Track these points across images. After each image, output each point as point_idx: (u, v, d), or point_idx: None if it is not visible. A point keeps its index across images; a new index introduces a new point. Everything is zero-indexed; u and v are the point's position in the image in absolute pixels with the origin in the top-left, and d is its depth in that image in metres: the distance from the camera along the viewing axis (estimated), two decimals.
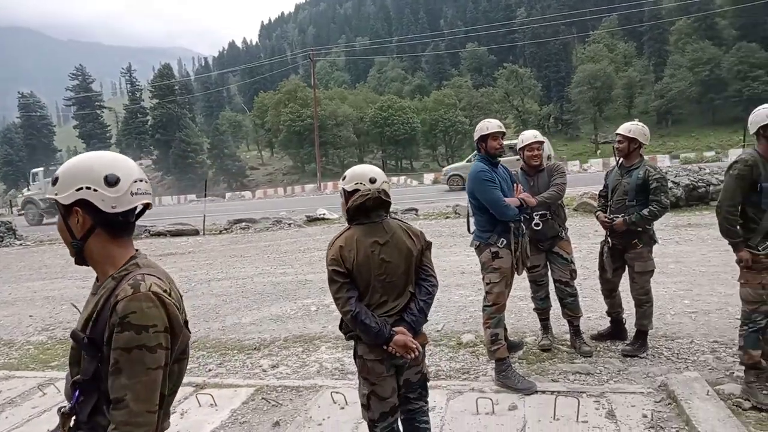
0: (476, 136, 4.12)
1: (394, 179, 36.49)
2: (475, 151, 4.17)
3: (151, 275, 1.49)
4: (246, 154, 74.04)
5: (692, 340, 4.55)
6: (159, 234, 15.81)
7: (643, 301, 4.35)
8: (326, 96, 63.60)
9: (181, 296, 1.61)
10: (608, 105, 67.46)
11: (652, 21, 72.45)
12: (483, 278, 4.13)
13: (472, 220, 4.27)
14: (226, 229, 15.92)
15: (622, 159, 4.48)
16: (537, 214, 4.36)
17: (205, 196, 21.61)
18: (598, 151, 44.21)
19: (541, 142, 4.55)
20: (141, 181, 1.54)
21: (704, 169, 12.35)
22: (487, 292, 4.08)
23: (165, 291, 1.47)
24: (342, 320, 2.58)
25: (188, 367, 5.17)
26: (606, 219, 4.41)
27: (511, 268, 4.02)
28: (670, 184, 11.29)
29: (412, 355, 2.46)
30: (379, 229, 2.53)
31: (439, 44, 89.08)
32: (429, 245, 2.69)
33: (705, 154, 33.23)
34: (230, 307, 7.16)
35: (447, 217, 14.24)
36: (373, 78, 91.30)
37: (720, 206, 3.54)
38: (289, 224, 15.80)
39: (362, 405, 2.62)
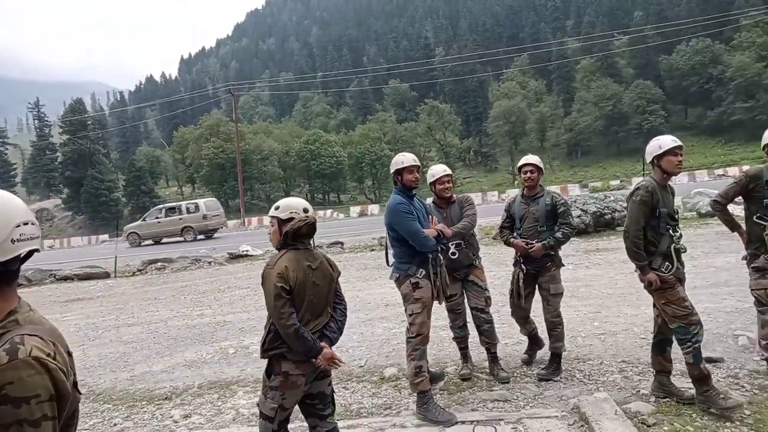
0: (392, 169, 4.22)
1: (321, 213, 36.34)
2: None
3: (32, 335, 1.27)
4: (165, 190, 71.27)
5: (602, 361, 4.72)
6: (66, 278, 14.71)
7: (556, 324, 4.47)
8: (250, 130, 62.93)
9: (71, 353, 1.41)
10: (523, 138, 71.34)
11: (559, 60, 77.96)
12: (405, 310, 4.11)
13: (390, 252, 4.26)
14: (139, 270, 15.07)
15: (525, 189, 4.69)
16: (453, 244, 4.45)
17: (118, 236, 20.44)
18: (516, 182, 46.26)
19: (450, 175, 4.75)
20: (27, 224, 1.35)
21: (610, 197, 13.17)
22: (410, 324, 4.05)
23: (49, 354, 1.26)
24: (266, 337, 2.79)
25: (91, 422, 4.78)
26: (524, 245, 4.50)
27: (431, 298, 4.05)
28: (579, 212, 11.97)
29: (336, 367, 2.83)
30: (310, 255, 2.88)
31: (362, 80, 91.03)
32: (339, 274, 3.08)
33: (611, 183, 35.47)
34: (141, 354, 6.70)
35: (372, 250, 14.27)
36: (298, 112, 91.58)
37: (627, 231, 3.72)
38: (209, 262, 15.21)
39: (266, 417, 2.78)
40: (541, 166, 4.66)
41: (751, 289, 3.90)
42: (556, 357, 4.51)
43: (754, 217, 3.84)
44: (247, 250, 15.96)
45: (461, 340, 4.72)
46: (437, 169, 4.75)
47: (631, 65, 73.44)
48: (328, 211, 37.41)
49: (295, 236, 2.83)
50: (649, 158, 3.79)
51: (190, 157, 60.44)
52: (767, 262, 3.77)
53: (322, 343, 2.74)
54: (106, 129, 78.52)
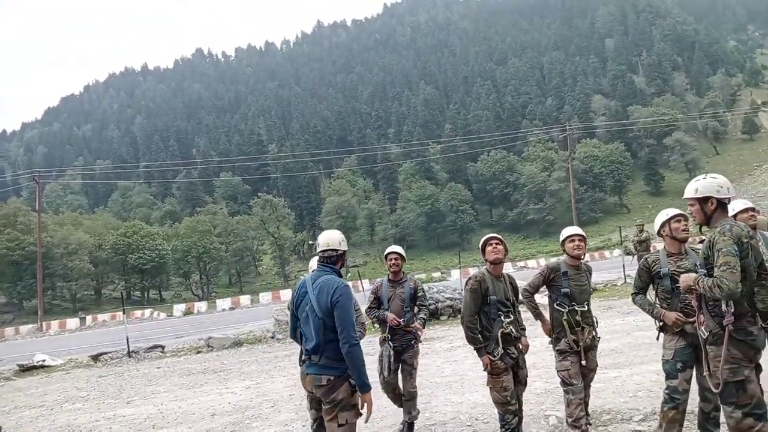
0: (344, 247, 3.72)
1: (138, 313, 32.87)
2: None
3: None
4: None
5: None
6: None
7: (414, 395, 5.03)
8: (56, 221, 56.14)
9: None
10: (354, 232, 74.19)
11: (383, 162, 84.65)
12: (338, 418, 3.29)
13: (308, 345, 3.44)
14: None
15: (390, 274, 5.33)
16: None
17: None
18: (348, 275, 47.30)
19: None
20: None
21: (433, 288, 14.05)
22: None
23: None
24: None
25: None
26: (396, 322, 5.04)
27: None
28: None
29: None
30: None
31: (191, 172, 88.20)
32: None
33: (433, 274, 37.92)
34: None
35: (198, 352, 13.14)
36: (115, 203, 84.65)
37: (462, 318, 4.10)
38: None
39: None
40: (404, 254, 5.36)
41: (557, 371, 4.35)
42: (411, 426, 5.00)
43: (555, 304, 4.38)
44: (43, 361, 13.57)
45: None
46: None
47: (445, 170, 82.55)
48: (147, 311, 33.95)
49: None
50: (481, 249, 4.36)
51: None
52: (568, 344, 4.27)
53: None
54: None
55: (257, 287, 50.66)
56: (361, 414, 3.30)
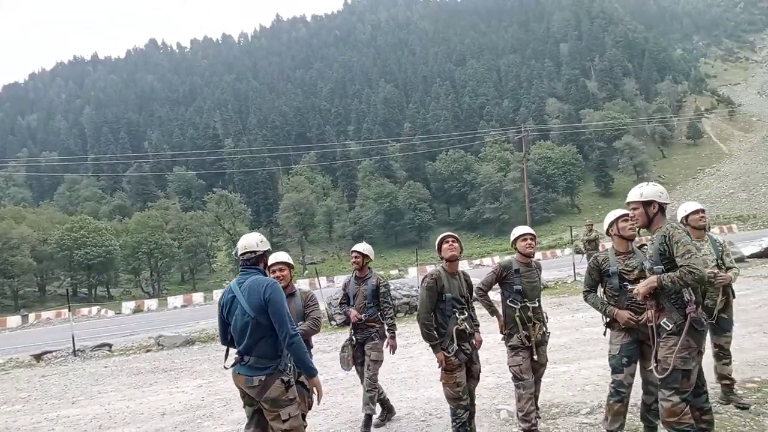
0: (265, 248, 3.65)
1: (85, 311, 31.63)
2: None
3: None
4: None
5: None
6: None
7: (372, 387, 5.08)
8: None
9: None
10: (312, 229, 73.74)
11: (342, 160, 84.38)
12: (280, 415, 3.37)
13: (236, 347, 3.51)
14: None
15: (356, 271, 5.45)
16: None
17: None
18: (306, 272, 46.98)
19: (288, 263, 4.40)
20: None
21: (389, 286, 14.08)
22: None
23: None
24: None
25: None
26: (357, 318, 5.24)
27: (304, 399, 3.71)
28: None
29: None
30: None
31: (143, 165, 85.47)
32: None
33: (391, 272, 38.15)
34: None
35: (148, 351, 12.77)
36: (62, 196, 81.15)
37: (419, 315, 4.18)
38: None
39: None
40: (367, 253, 5.45)
41: (509, 366, 4.46)
42: (369, 418, 5.05)
43: (508, 300, 4.48)
44: None
45: None
46: (278, 255, 4.41)
47: (404, 168, 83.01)
48: (95, 308, 32.70)
49: None
50: (437, 248, 4.39)
51: None
52: (520, 340, 4.38)
53: None
54: None
55: (211, 284, 49.52)
56: (304, 403, 3.54)
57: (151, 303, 33.17)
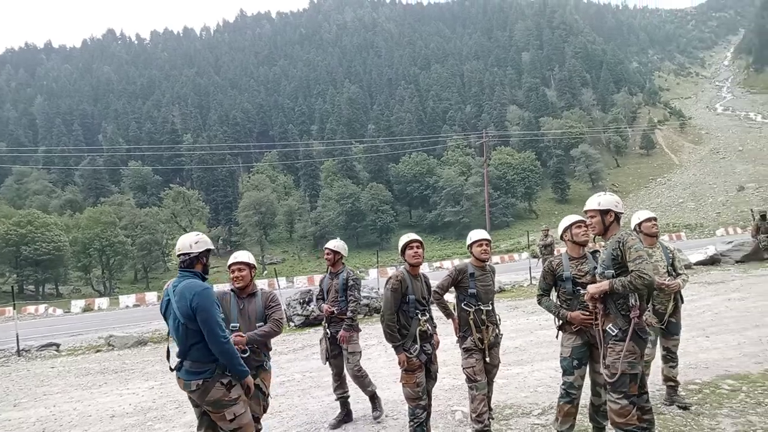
0: (203, 248, 3.59)
1: (32, 308, 30.32)
2: None
3: None
4: None
5: None
6: None
7: (359, 375, 5.32)
8: None
9: None
10: (273, 229, 72.88)
11: (305, 159, 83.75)
12: (225, 416, 3.40)
13: (174, 351, 3.53)
14: None
15: (330, 267, 5.58)
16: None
17: None
18: (265, 272, 46.37)
19: (248, 263, 4.32)
20: None
21: (360, 281, 14.02)
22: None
23: None
24: None
25: None
26: (330, 310, 5.40)
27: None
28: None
29: None
30: None
31: (96, 159, 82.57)
32: None
33: None
34: None
35: (98, 351, 12.35)
36: (9, 189, 77.52)
37: (382, 316, 4.20)
38: None
39: None
40: (339, 250, 5.57)
41: (463, 368, 4.53)
42: (374, 398, 5.45)
43: (462, 304, 4.56)
44: None
45: None
46: (238, 255, 4.35)
47: (367, 170, 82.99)
48: (42, 307, 31.39)
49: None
50: (400, 248, 4.46)
51: None
52: (474, 343, 4.46)
53: None
54: None
55: (165, 283, 48.24)
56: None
57: (102, 302, 32.06)
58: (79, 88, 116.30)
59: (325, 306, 5.49)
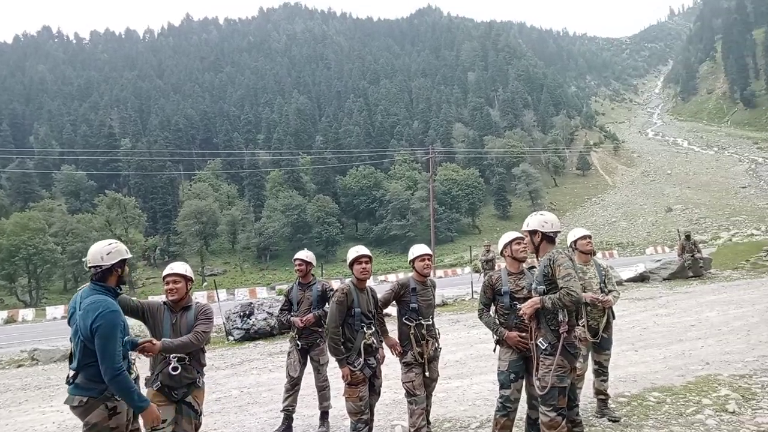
0: (117, 259, 3.37)
1: None
2: None
3: None
4: None
5: None
6: None
7: (324, 387, 5.41)
8: None
9: None
10: (214, 239, 71.00)
11: (250, 169, 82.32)
12: None
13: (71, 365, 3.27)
14: None
15: (300, 278, 5.67)
16: (175, 357, 3.72)
17: None
18: (205, 284, 45.01)
19: (183, 275, 3.99)
20: None
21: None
22: None
23: None
24: None
25: None
26: (300, 322, 5.39)
27: (127, 425, 3.30)
28: (265, 315, 12.31)
29: None
30: None
31: (26, 161, 78.06)
32: None
33: None
34: None
35: (20, 365, 11.58)
36: None
37: (327, 329, 4.24)
38: None
39: None
40: (310, 260, 5.68)
41: (402, 382, 4.55)
42: (325, 414, 5.39)
43: (404, 318, 4.59)
44: None
45: None
46: (174, 266, 4.01)
47: (314, 181, 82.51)
48: None
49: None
50: (349, 261, 4.50)
51: None
52: (414, 357, 4.49)
53: None
54: None
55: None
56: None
57: (27, 313, 30.18)
58: (9, 87, 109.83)
59: (296, 319, 5.44)
